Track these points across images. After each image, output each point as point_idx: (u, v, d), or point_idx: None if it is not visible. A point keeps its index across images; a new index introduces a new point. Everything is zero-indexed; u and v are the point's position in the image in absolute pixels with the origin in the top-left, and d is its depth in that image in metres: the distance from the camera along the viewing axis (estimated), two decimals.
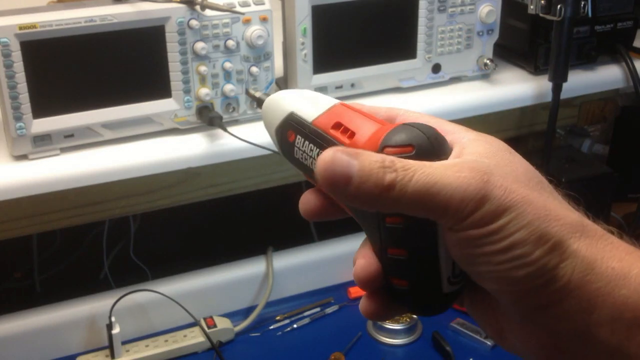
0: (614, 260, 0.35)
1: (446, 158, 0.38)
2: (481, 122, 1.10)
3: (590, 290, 0.35)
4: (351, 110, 0.43)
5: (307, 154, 0.44)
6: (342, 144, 0.41)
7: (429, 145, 0.38)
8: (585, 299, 0.35)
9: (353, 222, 0.43)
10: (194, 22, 0.91)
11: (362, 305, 0.41)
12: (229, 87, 0.97)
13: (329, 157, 0.36)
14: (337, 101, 0.44)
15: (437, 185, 0.35)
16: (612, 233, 0.37)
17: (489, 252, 0.35)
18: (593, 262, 0.35)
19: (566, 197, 0.39)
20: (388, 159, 0.36)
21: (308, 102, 0.45)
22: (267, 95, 0.49)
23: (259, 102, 0.50)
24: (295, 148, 0.45)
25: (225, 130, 0.95)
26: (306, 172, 0.44)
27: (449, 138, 0.40)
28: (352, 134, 0.41)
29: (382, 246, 0.39)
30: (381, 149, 0.38)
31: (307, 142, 0.44)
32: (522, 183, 0.36)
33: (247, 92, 0.54)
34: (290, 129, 0.45)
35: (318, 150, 0.43)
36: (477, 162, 0.36)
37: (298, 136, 0.44)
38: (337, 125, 0.42)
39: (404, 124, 0.39)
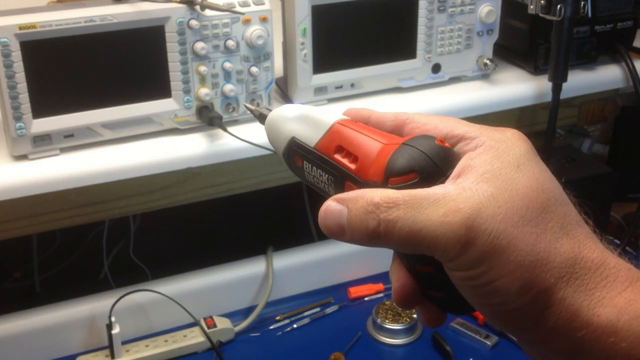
0: (602, 305, 0.34)
1: (452, 171, 0.38)
2: (481, 122, 1.09)
3: (576, 337, 0.35)
4: (351, 130, 0.42)
5: (318, 178, 0.44)
6: (347, 169, 0.41)
7: (432, 166, 0.38)
8: (572, 343, 0.35)
9: None
10: (193, 22, 0.91)
11: (423, 318, 0.43)
12: (228, 87, 0.97)
13: (322, 212, 0.39)
14: (336, 118, 0.44)
15: (421, 232, 0.35)
16: (612, 252, 0.37)
17: (475, 293, 0.36)
18: (578, 310, 0.35)
19: (578, 206, 0.38)
20: (373, 203, 0.37)
21: (307, 124, 0.44)
22: (269, 109, 0.48)
23: (260, 118, 0.49)
24: (306, 173, 0.45)
25: (225, 130, 0.95)
26: (322, 193, 0.44)
27: (460, 144, 0.39)
28: (355, 158, 0.41)
29: (410, 265, 0.40)
30: (386, 180, 0.38)
31: (314, 168, 0.44)
32: (515, 217, 0.35)
33: (246, 107, 0.54)
34: (296, 155, 0.45)
35: (327, 175, 0.43)
36: (469, 196, 0.35)
37: (305, 162, 0.44)
38: (340, 149, 0.42)
39: (405, 144, 0.39)
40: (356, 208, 0.38)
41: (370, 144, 0.41)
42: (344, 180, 0.42)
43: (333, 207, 0.39)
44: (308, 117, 0.45)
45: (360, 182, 0.40)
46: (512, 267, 0.34)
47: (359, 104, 1.07)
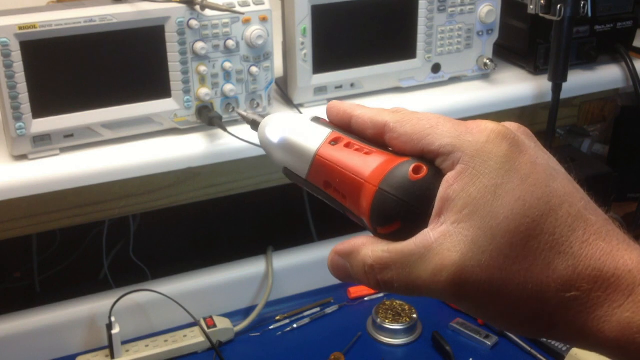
0: (604, 322, 0.35)
1: (433, 205, 0.38)
2: None
3: (586, 346, 0.37)
4: (332, 164, 0.42)
5: (322, 199, 0.45)
6: (342, 202, 0.43)
7: (412, 212, 0.39)
8: (586, 347, 0.37)
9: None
10: (193, 22, 0.91)
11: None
12: (228, 87, 0.97)
13: (329, 265, 0.43)
14: (317, 145, 0.43)
15: (418, 290, 0.38)
16: (614, 238, 0.37)
17: (483, 319, 0.39)
18: (582, 329, 0.36)
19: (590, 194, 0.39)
20: (367, 265, 0.39)
21: (292, 154, 0.45)
22: (261, 116, 0.49)
23: (253, 125, 0.50)
24: (310, 191, 0.46)
25: (225, 130, 0.95)
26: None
27: (438, 161, 0.39)
28: (343, 196, 0.42)
29: None
30: (374, 229, 0.40)
31: (315, 194, 0.45)
32: (500, 259, 0.35)
33: (239, 114, 0.54)
34: (293, 179, 0.46)
35: (329, 202, 0.44)
36: (451, 247, 0.36)
37: (305, 187, 0.46)
38: (328, 185, 0.43)
39: (381, 190, 0.39)
40: (356, 266, 0.41)
41: (353, 182, 0.41)
42: (344, 209, 0.43)
43: (337, 261, 0.42)
44: (291, 147, 0.45)
45: (356, 216, 0.42)
46: (508, 306, 0.36)
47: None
